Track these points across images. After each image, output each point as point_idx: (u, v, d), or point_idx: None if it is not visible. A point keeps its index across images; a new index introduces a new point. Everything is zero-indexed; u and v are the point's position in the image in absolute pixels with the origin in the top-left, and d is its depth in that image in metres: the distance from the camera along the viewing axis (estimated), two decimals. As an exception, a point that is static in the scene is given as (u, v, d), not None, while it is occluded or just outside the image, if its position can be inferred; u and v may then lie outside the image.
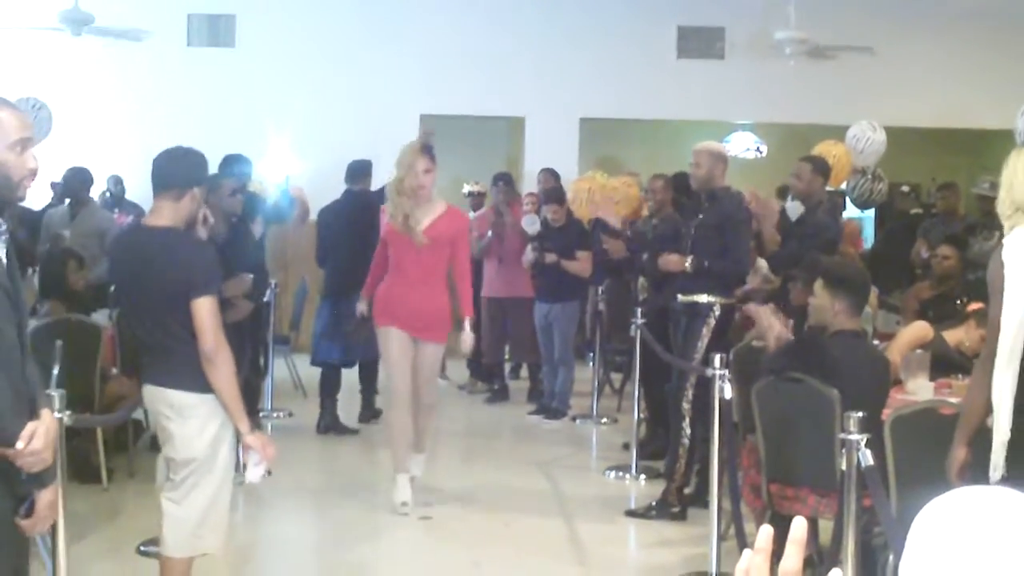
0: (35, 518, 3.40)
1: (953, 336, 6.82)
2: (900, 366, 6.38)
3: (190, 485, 4.92)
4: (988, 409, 4.18)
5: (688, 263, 7.43)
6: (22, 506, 3.38)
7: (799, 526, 1.47)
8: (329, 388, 9.99)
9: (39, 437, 3.28)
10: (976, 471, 4.22)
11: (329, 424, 9.96)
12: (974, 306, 7.05)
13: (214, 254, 5.04)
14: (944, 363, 6.54)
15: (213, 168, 9.71)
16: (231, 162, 8.93)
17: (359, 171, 10.21)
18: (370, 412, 10.28)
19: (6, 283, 3.30)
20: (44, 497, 3.40)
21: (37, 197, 10.84)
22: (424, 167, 7.34)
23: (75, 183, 10.86)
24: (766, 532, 1.49)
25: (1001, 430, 4.06)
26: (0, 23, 13.91)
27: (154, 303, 4.86)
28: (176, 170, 4.93)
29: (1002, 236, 4.30)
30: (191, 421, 4.86)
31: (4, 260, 3.35)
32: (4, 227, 3.44)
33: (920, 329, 6.97)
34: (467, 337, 7.61)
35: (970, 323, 6.78)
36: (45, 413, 3.38)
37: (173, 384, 4.88)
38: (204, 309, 4.73)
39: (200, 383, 4.81)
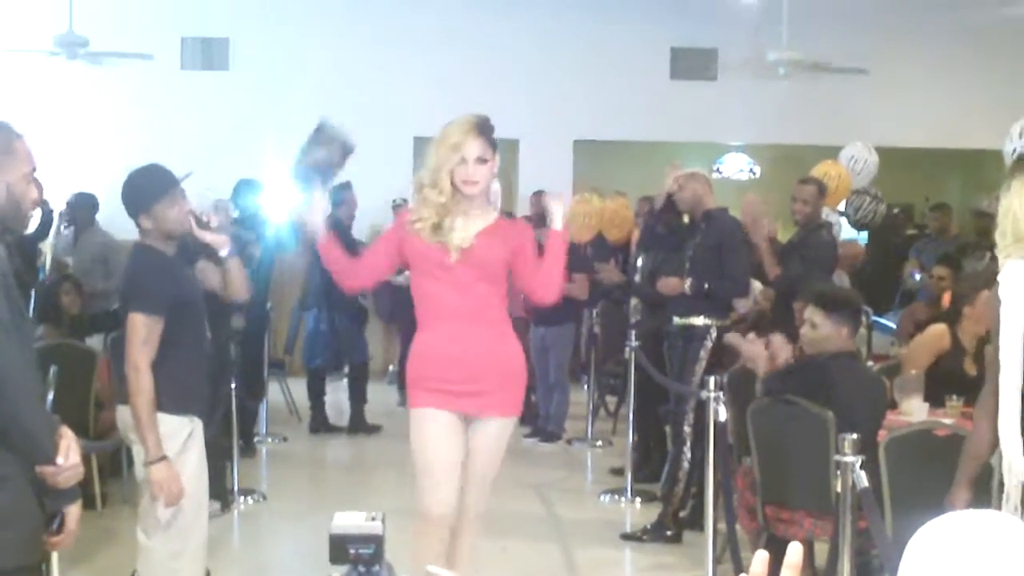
0: (65, 533, 3.46)
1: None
2: (896, 386, 6.39)
3: (156, 515, 4.78)
4: (993, 446, 4.06)
5: (687, 286, 7.43)
6: (52, 523, 3.44)
7: (795, 551, 1.47)
8: (315, 392, 10.82)
9: (73, 452, 3.36)
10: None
11: (318, 425, 10.73)
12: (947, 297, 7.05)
13: (162, 271, 4.81)
14: (953, 378, 6.52)
15: (224, 191, 9.93)
16: (240, 188, 9.21)
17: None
18: (362, 425, 10.48)
19: (19, 302, 3.34)
20: (73, 512, 3.47)
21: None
22: (477, 153, 4.82)
23: (79, 208, 10.89)
24: (761, 557, 1.49)
25: (1016, 471, 3.93)
26: (-4, 48, 13.93)
27: (121, 317, 4.85)
28: (127, 195, 4.91)
29: (994, 257, 4.27)
30: None
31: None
32: (3, 253, 3.46)
33: (939, 335, 6.94)
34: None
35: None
36: (65, 429, 3.44)
37: (124, 400, 4.78)
38: (132, 323, 4.65)
39: (159, 401, 4.68)
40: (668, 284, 7.60)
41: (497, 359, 4.92)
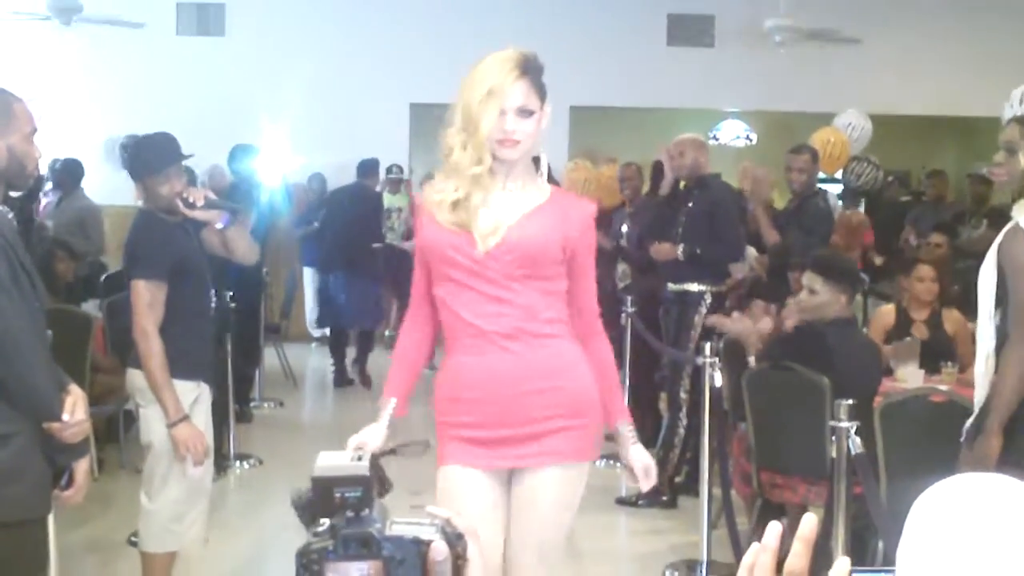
0: (75, 488, 3.54)
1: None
2: (891, 353, 6.42)
3: (160, 478, 4.84)
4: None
5: (680, 251, 7.45)
6: (61, 479, 3.51)
7: (808, 523, 1.40)
8: (338, 352, 11.48)
9: (80, 408, 3.43)
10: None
11: (343, 380, 11.34)
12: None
13: (162, 237, 4.85)
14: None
15: (220, 158, 9.99)
16: (236, 152, 9.28)
17: (370, 168, 11.83)
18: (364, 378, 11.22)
19: (28, 265, 3.39)
20: (82, 467, 3.55)
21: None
22: (520, 101, 3.43)
23: (63, 174, 10.88)
24: (775, 530, 1.42)
25: None
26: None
27: (125, 283, 4.89)
28: (128, 161, 5.00)
29: (991, 224, 4.27)
30: (152, 404, 4.81)
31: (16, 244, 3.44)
32: (11, 214, 3.52)
33: (884, 313, 7.14)
34: (638, 459, 3.69)
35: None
36: (74, 386, 3.51)
37: (135, 364, 4.83)
38: (135, 289, 4.71)
39: None
40: (661, 250, 7.61)
41: (553, 388, 3.49)
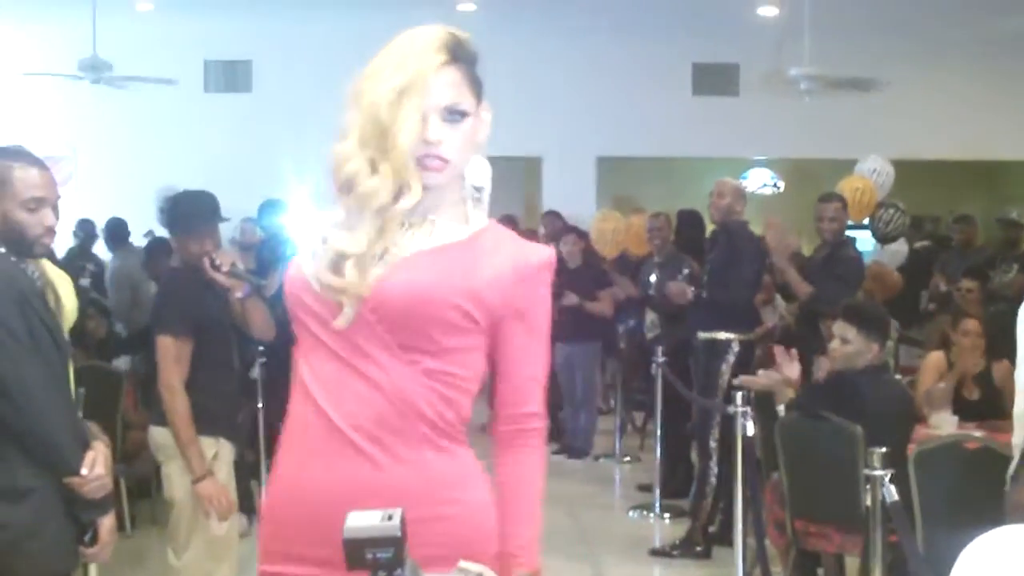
0: (100, 545, 3.49)
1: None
2: (923, 399, 6.38)
3: (185, 534, 4.86)
4: None
5: (690, 293, 7.57)
6: (85, 535, 3.49)
7: None
8: None
9: (100, 463, 3.40)
10: None
11: None
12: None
13: (189, 294, 4.88)
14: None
15: (249, 212, 10.03)
16: (265, 208, 9.37)
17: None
18: None
19: (49, 321, 3.39)
20: (106, 523, 3.50)
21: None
22: (446, 100, 2.32)
23: (106, 235, 11.21)
24: None
25: None
26: (20, 71, 14.05)
27: (151, 341, 4.94)
28: (166, 215, 5.04)
29: (1022, 268, 4.25)
30: (173, 461, 4.84)
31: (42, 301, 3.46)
32: (36, 274, 3.53)
33: (936, 363, 7.01)
34: None
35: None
36: (97, 442, 3.49)
37: (157, 420, 4.88)
38: (161, 345, 4.75)
39: None
40: (675, 288, 7.74)
41: (432, 517, 2.26)
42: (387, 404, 2.28)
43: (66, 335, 3.64)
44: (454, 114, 2.34)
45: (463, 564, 1.86)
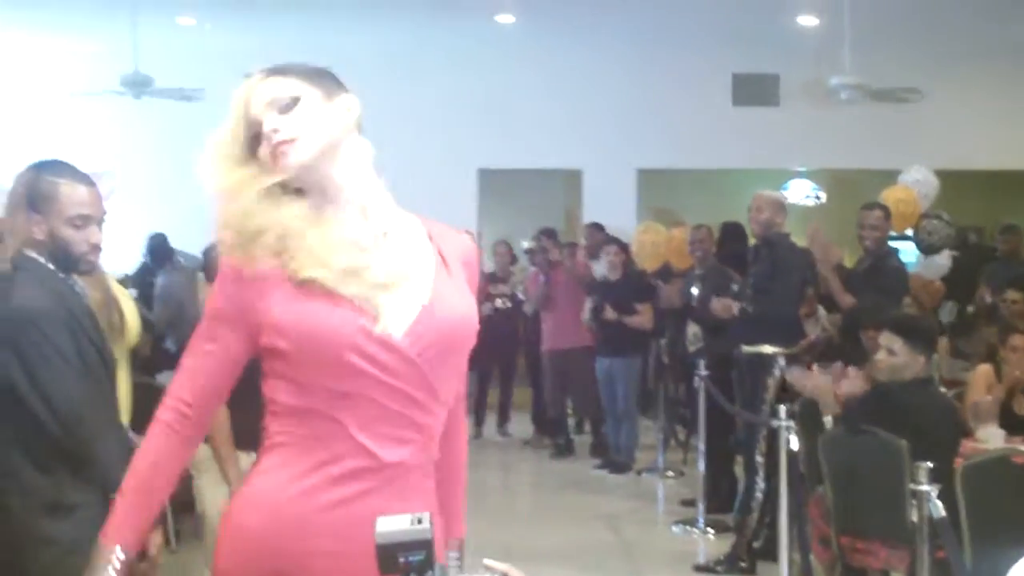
0: (147, 563, 3.53)
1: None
2: (970, 413, 6.32)
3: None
4: None
5: (736, 308, 7.53)
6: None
7: None
8: None
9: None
10: None
11: None
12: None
13: None
14: (1001, 418, 6.46)
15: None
16: None
17: None
18: None
19: (96, 338, 3.42)
20: (154, 540, 3.55)
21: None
22: (267, 96, 2.57)
23: (149, 252, 11.29)
24: None
25: None
26: (65, 90, 14.22)
27: None
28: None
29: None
30: (205, 474, 4.87)
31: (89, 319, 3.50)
32: (80, 288, 3.55)
33: (984, 375, 6.93)
34: None
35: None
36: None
37: None
38: None
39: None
40: (720, 304, 7.71)
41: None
42: (423, 434, 2.41)
43: (126, 351, 3.66)
44: (283, 103, 2.48)
45: (487, 562, 1.90)
